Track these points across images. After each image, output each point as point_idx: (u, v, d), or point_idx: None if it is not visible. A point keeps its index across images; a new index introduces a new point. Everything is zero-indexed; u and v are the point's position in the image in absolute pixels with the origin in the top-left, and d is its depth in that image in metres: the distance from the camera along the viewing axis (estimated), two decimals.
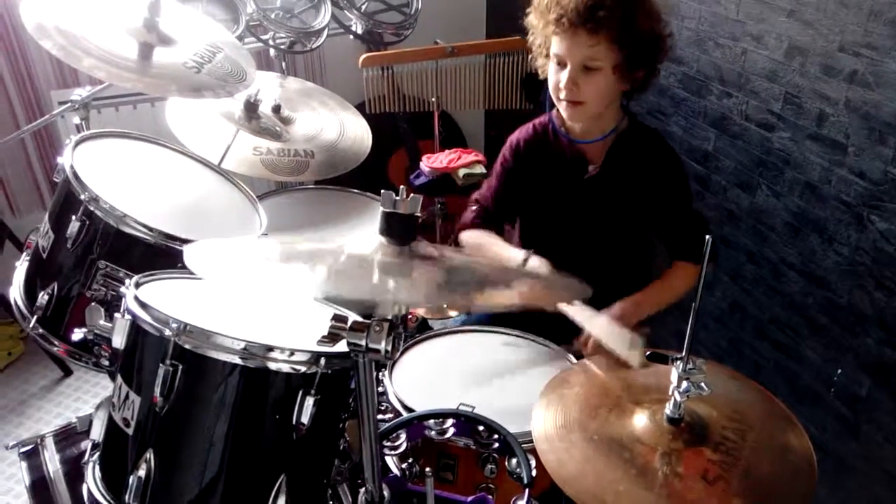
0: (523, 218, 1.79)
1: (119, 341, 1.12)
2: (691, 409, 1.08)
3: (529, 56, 1.64)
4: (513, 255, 1.59)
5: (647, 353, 1.27)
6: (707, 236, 1.06)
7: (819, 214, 1.82)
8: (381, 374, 1.40)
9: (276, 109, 1.90)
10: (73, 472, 1.51)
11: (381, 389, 1.38)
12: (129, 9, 1.51)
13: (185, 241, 1.38)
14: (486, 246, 1.68)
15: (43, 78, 2.60)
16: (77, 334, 1.33)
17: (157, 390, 1.04)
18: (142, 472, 1.05)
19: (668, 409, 1.07)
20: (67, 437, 1.59)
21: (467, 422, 1.25)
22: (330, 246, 1.01)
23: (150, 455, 1.06)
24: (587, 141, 1.64)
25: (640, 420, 1.09)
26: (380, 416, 1.33)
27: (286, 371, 1.06)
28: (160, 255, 1.36)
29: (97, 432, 1.19)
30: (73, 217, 1.38)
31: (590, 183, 1.65)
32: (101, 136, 1.61)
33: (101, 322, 1.27)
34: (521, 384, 1.41)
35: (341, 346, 0.95)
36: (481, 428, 1.24)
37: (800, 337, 1.94)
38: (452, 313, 1.97)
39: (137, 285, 1.18)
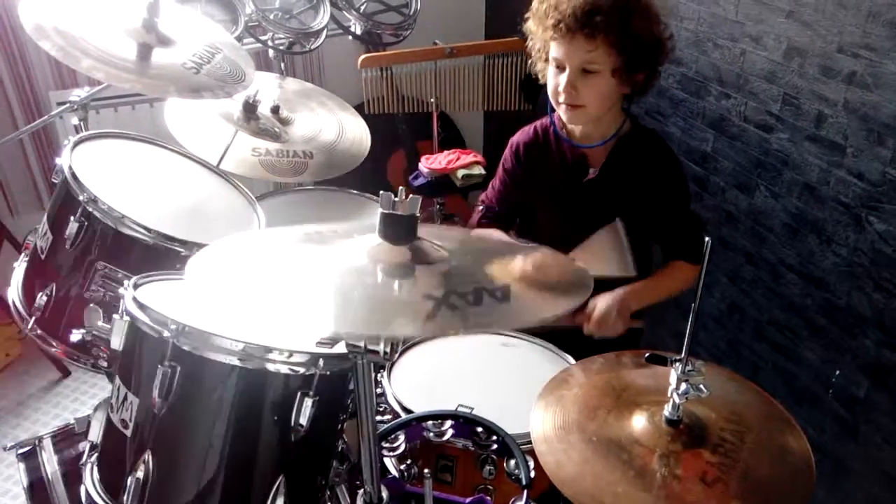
0: (522, 220, 1.80)
1: (117, 342, 1.12)
2: (690, 411, 1.08)
3: (529, 60, 1.64)
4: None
5: (646, 354, 1.27)
6: (707, 238, 1.06)
7: (817, 215, 1.82)
8: (379, 375, 1.40)
9: (275, 110, 1.89)
10: (71, 474, 1.50)
11: (379, 391, 1.38)
12: (128, 9, 1.51)
13: (184, 243, 1.38)
14: (493, 236, 1.69)
15: (41, 79, 2.60)
16: (75, 335, 1.33)
17: (156, 392, 1.04)
18: (140, 474, 1.05)
19: (667, 410, 1.06)
20: (65, 438, 1.59)
21: (466, 423, 1.25)
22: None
23: (148, 456, 1.06)
24: (588, 145, 1.64)
25: (639, 422, 1.09)
26: (378, 418, 1.33)
27: (285, 372, 1.06)
28: (159, 257, 1.36)
29: (95, 434, 1.18)
30: (72, 218, 1.38)
31: (588, 186, 1.65)
32: (100, 136, 1.61)
33: (100, 323, 1.27)
34: (520, 385, 1.41)
35: (340, 348, 0.95)
36: (480, 429, 1.25)
37: (798, 338, 1.94)
38: None
39: (136, 286, 1.18)
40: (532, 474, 1.15)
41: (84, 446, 1.29)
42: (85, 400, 2.58)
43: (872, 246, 1.69)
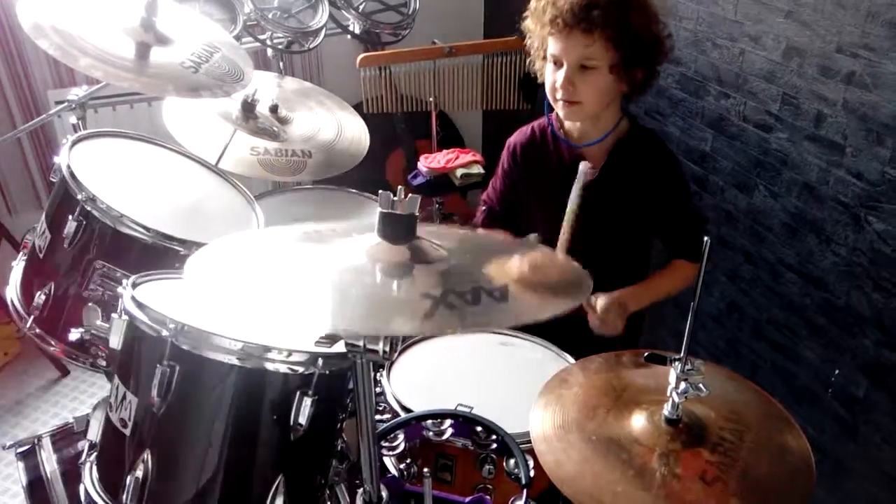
0: (522, 221, 1.79)
1: (116, 341, 1.12)
2: (689, 410, 1.08)
3: (528, 59, 1.64)
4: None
5: (646, 353, 1.27)
6: (706, 238, 1.06)
7: (816, 215, 1.82)
8: (378, 374, 1.40)
9: (274, 109, 1.89)
10: (70, 473, 1.50)
11: (378, 390, 1.37)
12: (126, 8, 1.50)
13: (183, 242, 1.38)
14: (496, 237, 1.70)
15: (39, 77, 2.60)
16: (74, 334, 1.33)
17: (155, 391, 1.04)
18: (139, 473, 1.05)
19: (667, 409, 1.06)
20: (64, 437, 1.59)
21: (465, 422, 1.25)
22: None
23: (147, 456, 1.06)
24: (586, 144, 1.63)
25: (639, 421, 1.09)
26: (378, 417, 1.32)
27: (284, 371, 1.06)
28: (157, 256, 1.36)
29: (94, 433, 1.18)
30: (70, 217, 1.38)
31: (587, 187, 1.64)
32: (98, 135, 1.61)
33: (98, 322, 1.27)
34: (520, 384, 1.41)
35: (339, 347, 0.94)
36: (479, 428, 1.24)
37: (797, 337, 1.95)
38: None
39: (134, 285, 1.18)
40: (531, 473, 1.15)
41: (83, 445, 1.29)
42: (84, 399, 2.58)
43: (871, 245, 1.69)
